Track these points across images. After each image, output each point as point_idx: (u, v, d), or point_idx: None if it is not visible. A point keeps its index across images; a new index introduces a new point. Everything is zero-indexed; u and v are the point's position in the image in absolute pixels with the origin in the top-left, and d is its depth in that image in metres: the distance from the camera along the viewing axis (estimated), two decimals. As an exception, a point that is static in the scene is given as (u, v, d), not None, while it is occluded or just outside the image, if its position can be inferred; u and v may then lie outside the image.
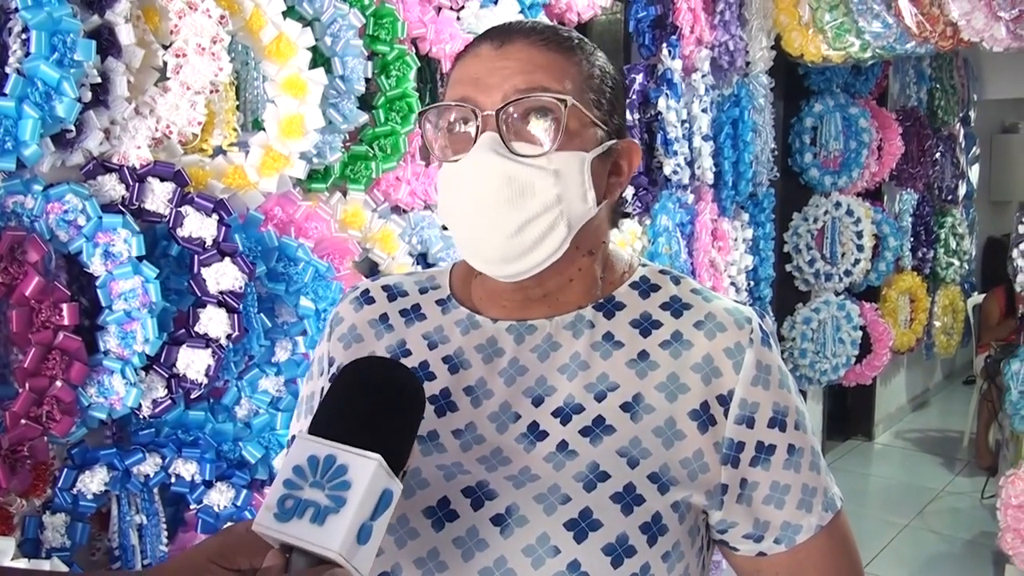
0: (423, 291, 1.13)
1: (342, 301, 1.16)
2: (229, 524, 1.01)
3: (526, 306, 1.04)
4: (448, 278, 1.13)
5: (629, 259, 1.11)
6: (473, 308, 1.08)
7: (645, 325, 1.03)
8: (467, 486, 0.95)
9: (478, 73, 0.97)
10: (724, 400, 0.98)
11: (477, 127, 0.96)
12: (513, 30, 0.99)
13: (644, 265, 1.10)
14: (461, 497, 0.95)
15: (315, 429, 0.81)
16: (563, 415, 0.98)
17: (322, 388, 1.11)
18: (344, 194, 2.37)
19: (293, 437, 1.15)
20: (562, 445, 0.96)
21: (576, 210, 0.97)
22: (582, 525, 0.92)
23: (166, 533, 1.98)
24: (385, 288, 1.15)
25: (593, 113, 0.98)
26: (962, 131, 6.74)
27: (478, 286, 1.08)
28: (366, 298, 1.14)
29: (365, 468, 0.77)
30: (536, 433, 0.98)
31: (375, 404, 0.82)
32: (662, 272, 1.09)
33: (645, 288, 1.06)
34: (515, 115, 0.95)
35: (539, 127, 0.95)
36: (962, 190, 6.75)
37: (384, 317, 1.11)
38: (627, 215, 3.33)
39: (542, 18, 2.82)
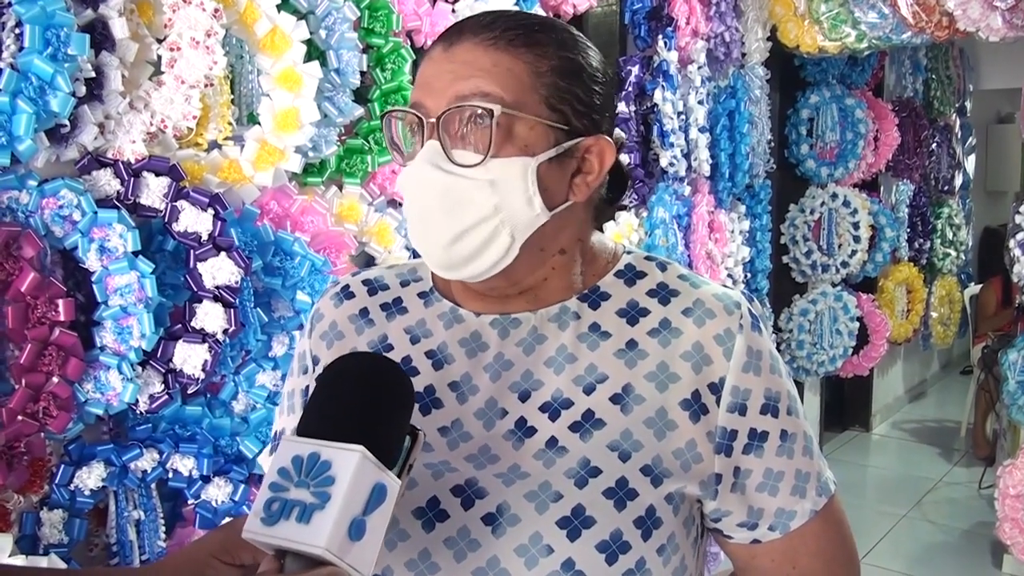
0: (404, 284, 1.11)
1: (323, 297, 1.13)
2: (230, 519, 1.01)
3: (505, 302, 1.02)
4: (430, 270, 1.10)
5: (613, 247, 1.08)
6: (455, 301, 1.06)
7: (632, 314, 1.01)
8: (456, 485, 0.94)
9: (428, 77, 0.95)
10: (715, 388, 0.96)
11: (423, 135, 0.94)
12: (464, 29, 0.95)
13: (629, 252, 1.07)
14: (451, 496, 0.94)
15: (300, 430, 0.80)
16: (551, 410, 0.97)
17: (306, 387, 1.09)
18: (340, 188, 2.37)
19: (276, 434, 1.13)
20: (551, 442, 0.95)
21: (520, 217, 0.94)
22: (575, 523, 0.90)
23: (164, 528, 1.98)
24: (366, 282, 1.12)
25: (543, 114, 0.93)
26: (958, 121, 6.74)
27: (456, 280, 1.05)
28: (346, 293, 1.12)
29: (348, 461, 0.75)
30: (524, 429, 0.96)
31: (357, 398, 0.81)
32: (648, 259, 1.06)
33: (631, 276, 1.04)
34: (455, 122, 0.92)
35: (478, 134, 0.92)
36: (958, 180, 6.76)
37: (364, 312, 1.09)
38: (624, 207, 3.33)
39: (537, 10, 2.81)
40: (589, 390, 0.97)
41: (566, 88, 0.95)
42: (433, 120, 0.93)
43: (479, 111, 0.91)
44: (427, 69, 0.96)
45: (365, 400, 0.81)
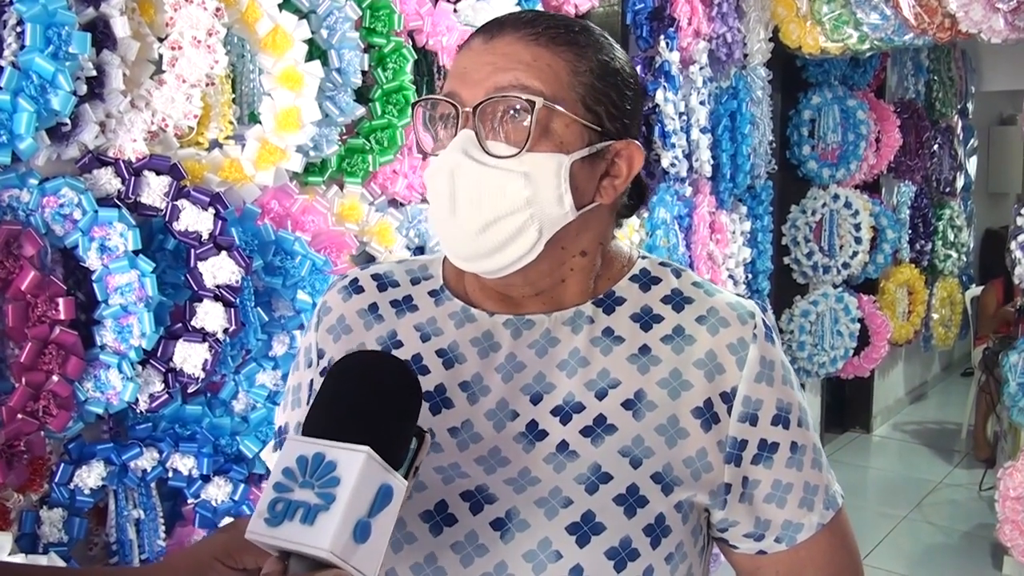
0: (415, 281, 1.10)
1: (330, 290, 1.12)
2: (234, 520, 0.99)
3: (520, 302, 1.02)
4: (441, 267, 1.10)
5: (629, 252, 1.08)
6: (467, 300, 1.05)
7: (646, 319, 1.00)
8: (466, 490, 0.93)
9: (466, 67, 0.95)
10: (727, 397, 0.96)
11: (457, 124, 0.94)
12: (506, 22, 0.96)
13: (644, 257, 1.07)
14: (459, 501, 0.93)
15: (306, 428, 0.79)
16: (563, 414, 0.96)
17: (311, 380, 1.08)
18: (341, 187, 2.36)
19: (279, 428, 1.13)
20: (562, 446, 0.94)
21: (550, 213, 0.93)
22: (584, 529, 0.90)
23: (163, 528, 1.98)
24: (375, 277, 1.11)
25: (580, 113, 0.93)
26: (960, 123, 6.74)
27: (471, 279, 1.05)
28: (355, 287, 1.10)
29: (354, 462, 0.74)
30: (535, 432, 0.95)
31: (364, 398, 0.80)
32: (663, 264, 1.06)
33: (645, 281, 1.04)
34: (492, 113, 0.92)
35: (514, 127, 0.92)
36: (960, 182, 6.76)
37: (374, 307, 1.08)
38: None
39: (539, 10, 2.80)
40: (601, 395, 0.96)
41: (602, 90, 0.95)
42: (469, 109, 0.92)
43: (519, 103, 0.91)
44: (464, 60, 0.96)
45: (372, 400, 0.80)
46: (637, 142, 0.99)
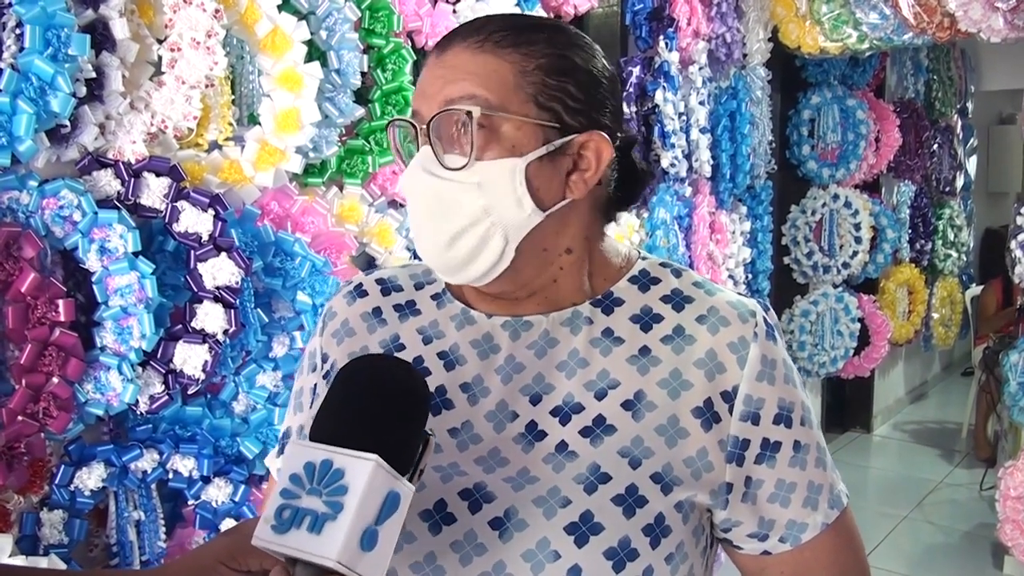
0: (419, 286, 1.11)
1: (336, 295, 1.14)
2: (238, 523, 1.00)
3: (516, 304, 1.02)
4: None
5: (627, 252, 1.07)
6: (467, 303, 1.05)
7: (646, 320, 1.00)
8: (464, 488, 0.93)
9: (423, 84, 0.97)
10: (728, 396, 0.95)
11: (418, 141, 0.96)
12: (456, 35, 0.96)
13: (644, 258, 1.07)
14: (458, 500, 0.93)
15: (313, 433, 0.79)
16: (562, 415, 0.96)
17: (315, 385, 1.09)
18: (340, 188, 2.36)
19: (284, 432, 1.13)
20: (561, 446, 0.94)
21: (511, 219, 0.94)
22: (583, 529, 0.90)
23: (164, 529, 1.98)
24: (379, 281, 1.12)
25: (532, 114, 0.93)
26: (960, 122, 6.73)
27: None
28: (359, 292, 1.12)
29: (362, 470, 0.74)
30: (534, 433, 0.96)
31: (373, 403, 0.80)
32: (662, 265, 1.06)
33: (645, 282, 1.04)
34: (445, 127, 0.93)
35: (465, 138, 0.92)
36: (960, 181, 6.75)
37: (377, 311, 1.09)
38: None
39: (537, 11, 2.80)
40: (601, 395, 0.96)
41: (556, 86, 0.94)
42: (424, 126, 0.94)
43: (460, 114, 0.91)
44: (423, 76, 0.98)
45: (381, 405, 0.80)
46: (603, 133, 0.97)
